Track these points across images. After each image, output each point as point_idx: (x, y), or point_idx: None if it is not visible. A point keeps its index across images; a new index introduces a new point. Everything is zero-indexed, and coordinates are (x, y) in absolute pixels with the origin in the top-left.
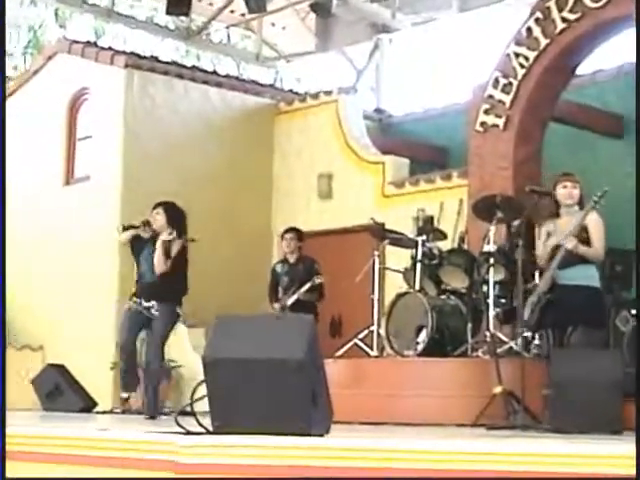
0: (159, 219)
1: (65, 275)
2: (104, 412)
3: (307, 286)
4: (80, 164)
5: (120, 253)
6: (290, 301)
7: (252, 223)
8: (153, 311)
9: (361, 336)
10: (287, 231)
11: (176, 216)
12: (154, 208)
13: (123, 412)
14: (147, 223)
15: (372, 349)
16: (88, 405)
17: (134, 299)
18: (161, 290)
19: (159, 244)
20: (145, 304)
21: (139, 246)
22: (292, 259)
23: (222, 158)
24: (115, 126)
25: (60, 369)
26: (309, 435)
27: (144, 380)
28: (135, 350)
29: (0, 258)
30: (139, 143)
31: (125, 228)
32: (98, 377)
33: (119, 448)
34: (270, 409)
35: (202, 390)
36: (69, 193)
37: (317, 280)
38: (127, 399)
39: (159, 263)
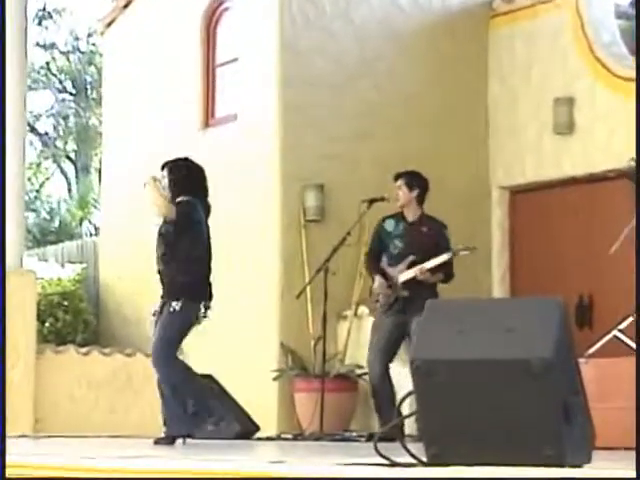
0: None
1: None
2: (269, 438)
3: (440, 259)
4: (223, 99)
5: (282, 223)
6: (405, 277)
7: (461, 173)
8: None
9: (623, 326)
10: (397, 176)
11: None
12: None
13: (295, 438)
14: None
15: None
16: (248, 429)
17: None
18: None
19: None
20: None
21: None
22: (411, 217)
23: (416, 84)
24: (268, 44)
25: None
26: (561, 466)
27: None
28: None
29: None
30: (301, 66)
31: None
32: (258, 391)
33: None
34: (505, 430)
35: (409, 406)
36: (210, 139)
37: (462, 252)
38: None
39: None
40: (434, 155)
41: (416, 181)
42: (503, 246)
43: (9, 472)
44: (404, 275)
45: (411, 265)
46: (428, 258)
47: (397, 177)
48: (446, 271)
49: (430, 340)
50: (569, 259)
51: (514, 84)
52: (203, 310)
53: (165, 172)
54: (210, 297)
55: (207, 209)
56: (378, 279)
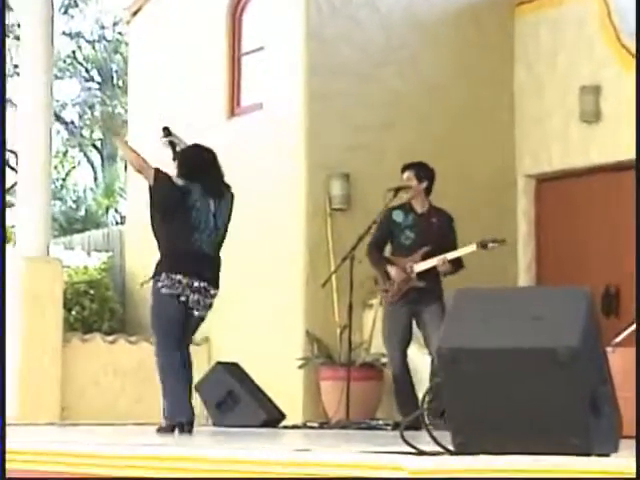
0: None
1: (233, 240)
2: (295, 427)
3: (466, 250)
4: (248, 88)
5: (308, 211)
6: (423, 267)
7: (487, 161)
8: None
9: None
10: (402, 169)
11: None
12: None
13: (321, 426)
14: None
15: None
16: (273, 417)
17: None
18: None
19: None
20: None
21: None
22: (420, 208)
23: (441, 72)
24: (293, 33)
25: (234, 369)
26: (588, 455)
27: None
28: None
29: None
30: (326, 55)
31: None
32: (284, 379)
33: (326, 475)
34: (532, 419)
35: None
36: (236, 128)
37: (491, 244)
38: None
39: None
40: (460, 144)
41: (424, 172)
42: (529, 235)
43: (35, 459)
44: (421, 265)
45: (427, 256)
46: (440, 249)
47: (405, 169)
48: (459, 262)
49: (457, 329)
50: (595, 247)
51: (540, 72)
52: (180, 285)
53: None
54: (192, 273)
55: (212, 193)
56: (393, 268)
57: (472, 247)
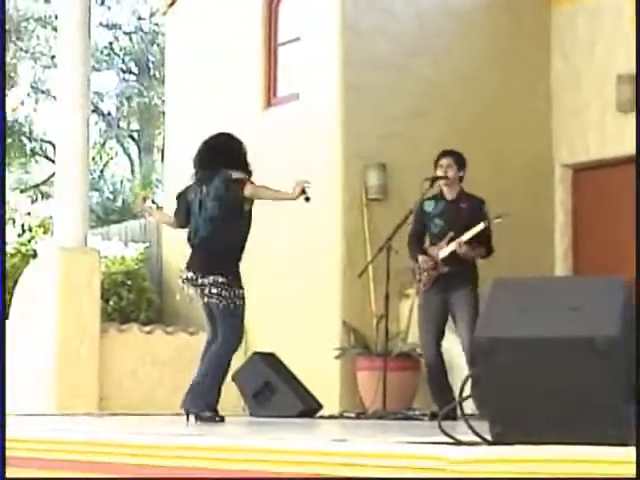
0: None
1: (269, 231)
2: (331, 417)
3: (476, 229)
4: (284, 78)
5: (344, 202)
6: (445, 253)
7: (524, 150)
8: None
9: None
10: (442, 155)
11: None
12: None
13: (357, 416)
14: None
15: None
16: (310, 408)
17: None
18: None
19: None
20: None
21: None
22: (450, 195)
23: (477, 63)
24: (329, 24)
25: (271, 359)
26: (625, 445)
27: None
28: None
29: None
30: (362, 45)
31: None
32: (320, 370)
33: (363, 465)
34: (569, 408)
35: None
36: (271, 119)
37: (496, 220)
38: None
39: None
40: (494, 133)
41: (462, 160)
42: (566, 224)
43: (76, 449)
44: (443, 251)
45: (450, 241)
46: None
47: (444, 154)
48: (487, 246)
49: (494, 318)
50: (632, 237)
51: (577, 62)
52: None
53: None
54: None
55: (202, 180)
56: (421, 258)
57: (480, 226)
